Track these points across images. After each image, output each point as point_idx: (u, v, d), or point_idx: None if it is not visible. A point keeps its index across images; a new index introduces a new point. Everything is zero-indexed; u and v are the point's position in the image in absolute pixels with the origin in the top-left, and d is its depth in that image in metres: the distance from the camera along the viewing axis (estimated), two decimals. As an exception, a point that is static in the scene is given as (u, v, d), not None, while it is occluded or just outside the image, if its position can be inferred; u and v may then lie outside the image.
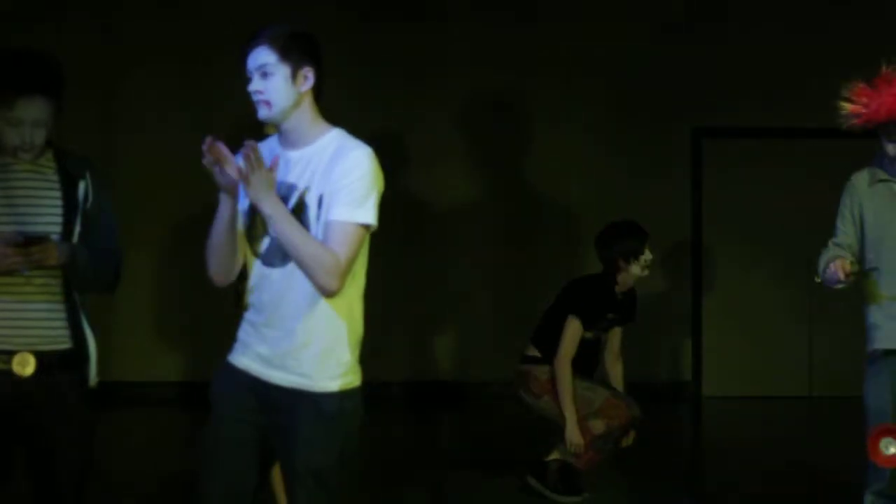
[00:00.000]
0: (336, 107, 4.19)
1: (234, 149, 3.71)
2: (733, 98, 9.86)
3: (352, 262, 3.67)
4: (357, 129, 3.85)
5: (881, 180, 4.96)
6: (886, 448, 4.68)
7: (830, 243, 5.02)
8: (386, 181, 3.75)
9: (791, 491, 6.96)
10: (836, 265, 4.75)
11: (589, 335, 6.57)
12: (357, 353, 3.79)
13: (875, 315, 4.98)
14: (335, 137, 3.78)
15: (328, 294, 3.67)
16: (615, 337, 6.82)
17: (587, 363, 6.66)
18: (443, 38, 9.91)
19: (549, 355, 6.51)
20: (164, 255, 9.59)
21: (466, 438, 8.67)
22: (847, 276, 4.75)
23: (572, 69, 9.91)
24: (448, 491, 7.01)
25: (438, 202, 9.94)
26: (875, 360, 4.98)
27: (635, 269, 6.62)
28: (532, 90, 9.92)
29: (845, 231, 5.00)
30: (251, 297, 3.85)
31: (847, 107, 4.89)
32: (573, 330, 6.47)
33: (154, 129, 9.67)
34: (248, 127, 4.13)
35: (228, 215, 3.79)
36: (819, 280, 5.02)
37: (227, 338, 3.91)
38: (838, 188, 5.16)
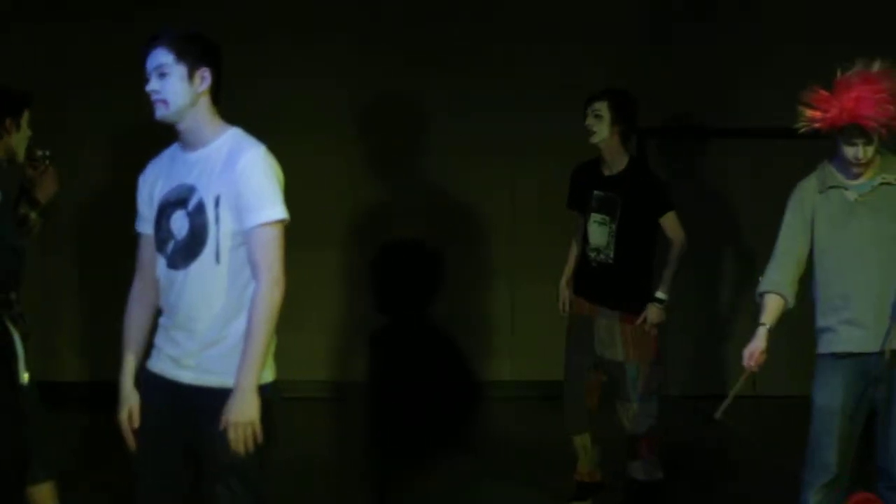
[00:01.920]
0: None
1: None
2: (679, 99, 9.90)
3: (281, 257, 3.79)
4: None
5: (832, 186, 4.98)
6: None
7: (772, 265, 5.04)
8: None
9: (741, 489, 7.00)
10: (751, 352, 4.80)
11: (593, 227, 6.45)
12: (269, 348, 3.84)
13: (826, 319, 5.00)
14: (230, 138, 3.88)
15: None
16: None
17: (591, 282, 6.55)
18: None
19: None
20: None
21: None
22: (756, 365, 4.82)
23: (522, 69, 9.91)
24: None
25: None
26: (826, 363, 5.00)
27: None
28: (478, 88, 9.91)
29: (791, 244, 5.02)
30: (160, 300, 3.96)
31: (806, 112, 4.92)
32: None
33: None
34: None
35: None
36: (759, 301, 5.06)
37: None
38: (784, 188, 5.18)
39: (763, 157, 9.72)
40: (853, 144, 4.87)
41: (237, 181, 3.77)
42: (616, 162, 6.41)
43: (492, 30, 9.99)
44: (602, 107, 6.36)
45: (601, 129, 6.35)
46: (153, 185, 4.02)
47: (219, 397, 3.78)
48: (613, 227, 6.33)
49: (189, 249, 3.85)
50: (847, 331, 4.95)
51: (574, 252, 6.69)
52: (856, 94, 4.82)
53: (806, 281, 5.18)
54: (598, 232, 6.41)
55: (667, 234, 6.37)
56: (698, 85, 9.91)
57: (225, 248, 3.81)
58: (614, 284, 6.40)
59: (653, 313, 6.35)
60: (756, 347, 4.98)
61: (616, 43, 9.93)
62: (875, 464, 5.05)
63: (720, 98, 9.86)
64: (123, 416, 3.98)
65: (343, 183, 9.87)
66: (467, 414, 9.62)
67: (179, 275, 3.87)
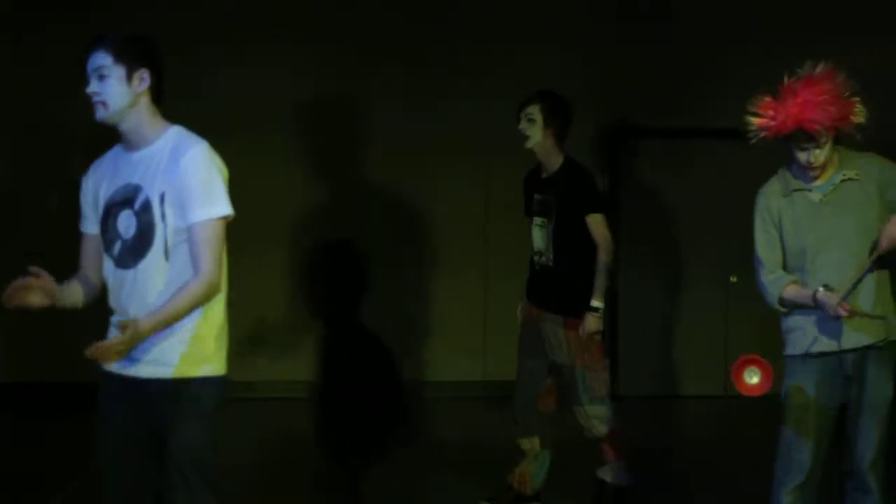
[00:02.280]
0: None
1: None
2: (646, 98, 9.91)
3: (221, 253, 3.88)
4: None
5: (796, 190, 4.99)
6: (750, 378, 4.74)
7: (766, 273, 5.03)
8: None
9: (705, 490, 7.00)
10: (836, 308, 4.75)
11: (535, 231, 6.45)
12: (220, 342, 3.96)
13: (795, 319, 5.00)
14: (172, 136, 3.95)
15: (216, 293, 3.89)
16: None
17: (535, 286, 6.57)
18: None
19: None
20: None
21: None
22: (850, 313, 4.78)
23: (490, 68, 9.90)
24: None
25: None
26: (797, 363, 5.01)
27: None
28: (442, 86, 9.90)
29: (772, 253, 5.02)
30: (110, 300, 4.03)
31: (754, 121, 4.93)
32: None
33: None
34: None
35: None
36: (783, 310, 5.02)
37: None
38: (750, 187, 5.18)
39: (731, 157, 9.73)
40: (803, 150, 4.88)
41: (181, 178, 3.84)
42: (551, 164, 6.42)
43: (466, 29, 9.97)
44: (534, 110, 6.38)
45: (534, 132, 6.37)
46: (97, 186, 4.08)
47: (175, 388, 3.89)
48: (550, 229, 6.33)
49: (137, 248, 3.91)
50: (815, 330, 4.95)
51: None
52: (801, 100, 4.83)
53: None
54: (539, 235, 6.42)
55: (592, 236, 6.32)
56: (667, 85, 9.92)
57: (172, 245, 3.87)
58: (555, 287, 6.40)
59: (589, 322, 6.31)
60: (833, 299, 4.80)
61: (592, 43, 9.93)
62: (845, 464, 5.06)
63: (689, 98, 9.87)
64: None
65: (304, 183, 9.81)
66: (437, 414, 9.59)
67: (129, 273, 3.93)
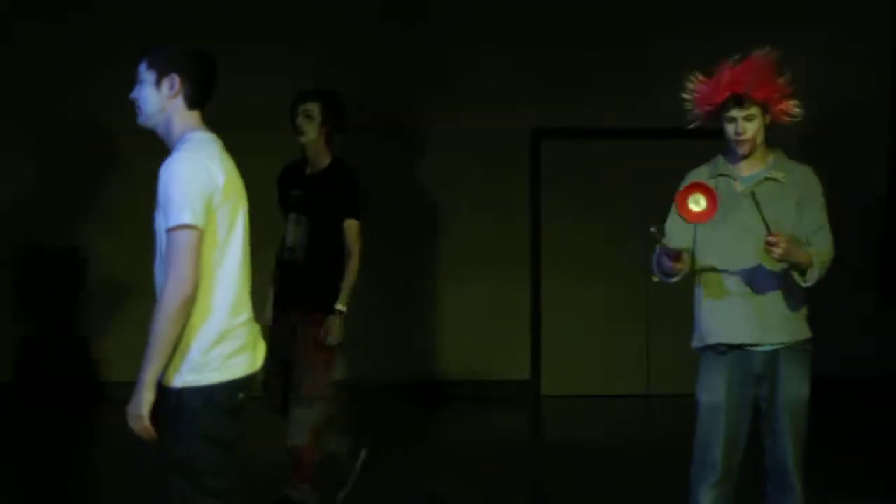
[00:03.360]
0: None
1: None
2: (572, 99, 9.93)
3: (188, 260, 3.85)
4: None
5: (721, 174, 5.00)
6: (696, 203, 4.73)
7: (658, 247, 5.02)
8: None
9: (628, 490, 7.01)
10: (670, 258, 4.78)
11: (289, 226, 6.34)
12: (211, 350, 3.93)
13: (707, 311, 5.00)
14: (182, 143, 4.01)
15: (191, 302, 3.88)
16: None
17: (285, 283, 6.40)
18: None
19: None
20: None
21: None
22: (678, 263, 4.78)
23: (406, 71, 9.89)
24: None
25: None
26: (709, 361, 5.00)
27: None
28: (376, 95, 9.88)
29: (677, 232, 5.00)
30: None
31: (690, 100, 4.95)
32: None
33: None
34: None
35: None
36: (656, 279, 5.02)
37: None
38: (676, 188, 5.18)
39: (656, 156, 9.77)
40: (732, 120, 4.90)
41: (160, 186, 3.94)
42: (319, 161, 6.36)
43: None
44: (314, 107, 6.31)
45: (310, 129, 6.29)
46: None
47: (166, 395, 3.91)
48: (306, 226, 6.29)
49: (156, 251, 4.04)
50: (721, 322, 4.96)
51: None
52: (738, 70, 4.90)
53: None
54: (293, 231, 6.34)
55: (346, 240, 6.26)
56: (595, 85, 9.94)
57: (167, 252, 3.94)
58: (302, 284, 6.29)
59: (331, 325, 6.21)
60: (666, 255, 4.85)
61: (507, 44, 9.93)
62: (764, 464, 5.07)
63: (617, 98, 9.89)
64: None
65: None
66: (394, 414, 9.56)
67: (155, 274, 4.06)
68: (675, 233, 4.94)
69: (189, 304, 3.85)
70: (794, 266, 4.78)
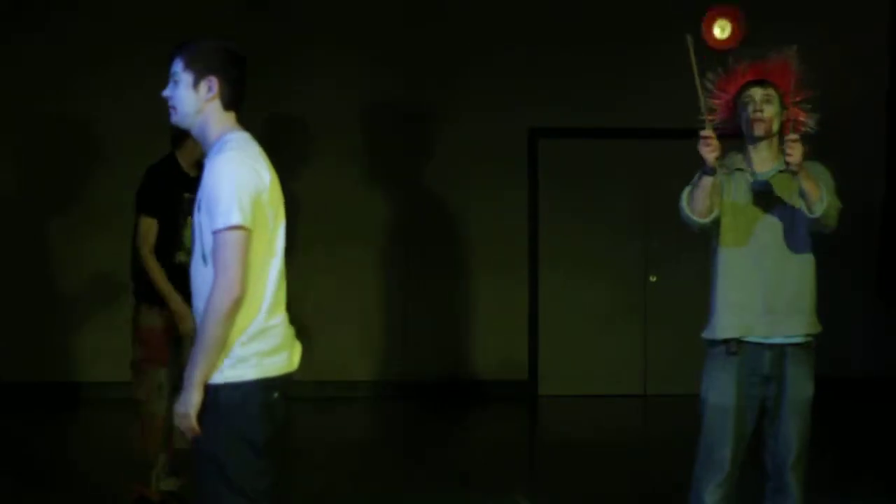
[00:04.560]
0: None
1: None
2: (570, 98, 9.92)
3: (238, 262, 3.86)
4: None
5: (738, 169, 5.01)
6: (722, 29, 4.73)
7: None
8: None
9: (624, 490, 7.00)
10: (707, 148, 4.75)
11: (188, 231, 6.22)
12: (250, 347, 3.92)
13: (722, 302, 4.98)
14: (219, 144, 4.00)
15: (242, 298, 3.88)
16: None
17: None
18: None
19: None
20: None
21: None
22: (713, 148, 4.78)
23: (406, 71, 9.88)
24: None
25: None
26: (716, 360, 4.98)
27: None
28: (374, 91, 9.87)
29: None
30: None
31: (710, 90, 4.99)
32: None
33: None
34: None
35: None
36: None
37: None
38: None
39: (651, 157, 9.77)
40: (751, 100, 4.91)
41: (205, 187, 3.93)
42: (197, 163, 6.24)
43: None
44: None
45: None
46: None
47: (206, 393, 3.93)
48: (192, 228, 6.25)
49: (194, 251, 4.05)
50: (733, 317, 4.95)
51: None
52: (762, 65, 4.96)
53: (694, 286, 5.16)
54: (189, 235, 6.17)
55: None
56: (593, 84, 9.93)
57: (209, 252, 3.94)
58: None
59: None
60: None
61: (503, 44, 9.92)
62: (765, 464, 5.05)
63: (615, 98, 9.89)
64: None
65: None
66: (390, 413, 9.57)
67: (190, 273, 4.09)
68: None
69: (238, 306, 3.86)
70: (803, 194, 4.78)
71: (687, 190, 4.95)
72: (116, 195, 8.75)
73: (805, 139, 4.83)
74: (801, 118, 5.01)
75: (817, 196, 4.74)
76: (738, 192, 4.96)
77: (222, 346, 3.88)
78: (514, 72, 9.89)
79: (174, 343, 6.26)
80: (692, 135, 5.09)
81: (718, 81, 5.03)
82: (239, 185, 3.88)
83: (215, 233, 3.86)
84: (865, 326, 10.02)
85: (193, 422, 3.84)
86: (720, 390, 4.93)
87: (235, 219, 3.84)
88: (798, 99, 5.02)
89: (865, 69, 9.88)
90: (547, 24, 9.97)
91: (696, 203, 4.87)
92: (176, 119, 4.06)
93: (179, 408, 3.86)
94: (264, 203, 3.93)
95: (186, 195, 6.20)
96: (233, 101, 4.05)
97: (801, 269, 4.91)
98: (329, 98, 9.80)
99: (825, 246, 5.03)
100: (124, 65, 9.43)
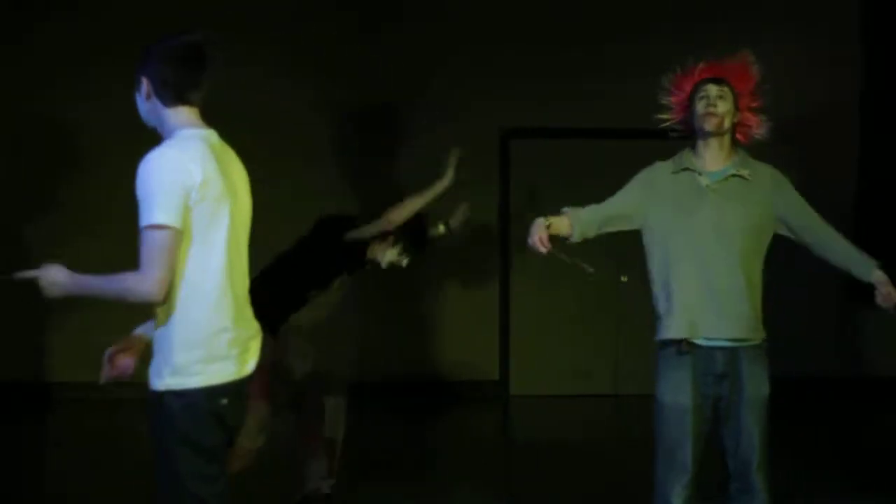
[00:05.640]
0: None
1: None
2: (541, 99, 9.93)
3: (161, 262, 3.78)
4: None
5: (686, 168, 5.01)
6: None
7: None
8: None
9: (597, 489, 7.02)
10: (536, 227, 4.88)
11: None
12: (192, 354, 3.88)
13: (662, 305, 5.00)
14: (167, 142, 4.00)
15: (154, 303, 3.84)
16: None
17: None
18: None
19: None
20: None
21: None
22: (544, 245, 4.90)
23: (375, 73, 9.87)
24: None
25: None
26: (668, 360, 4.98)
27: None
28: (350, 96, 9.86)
29: (619, 202, 5.12)
30: None
31: (666, 89, 5.02)
32: None
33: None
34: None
35: None
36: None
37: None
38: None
39: (617, 156, 9.76)
40: (705, 96, 4.94)
41: (137, 184, 3.89)
42: None
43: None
44: None
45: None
46: None
47: (148, 398, 3.94)
48: None
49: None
50: (680, 318, 4.96)
51: None
52: (718, 64, 5.00)
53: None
54: None
55: None
56: (564, 85, 9.95)
57: None
58: None
59: None
60: (535, 231, 4.98)
61: (475, 44, 9.92)
62: (727, 464, 5.06)
63: (586, 98, 9.90)
64: None
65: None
66: (362, 415, 9.53)
67: None
68: (622, 201, 5.06)
69: (146, 304, 3.84)
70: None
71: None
72: (99, 198, 8.77)
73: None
74: (753, 124, 5.03)
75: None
76: (684, 192, 4.96)
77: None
78: (486, 72, 9.89)
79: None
80: (664, 135, 5.12)
81: (675, 79, 5.05)
82: (164, 182, 3.81)
83: (141, 230, 3.80)
84: (837, 327, 10.06)
85: (56, 290, 3.92)
86: (676, 390, 4.93)
87: (158, 217, 3.77)
88: (752, 105, 5.03)
89: (837, 68, 9.92)
90: (519, 23, 9.97)
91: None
92: (144, 121, 4.12)
93: (48, 275, 3.94)
94: (196, 202, 3.83)
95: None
96: (177, 97, 4.01)
97: (747, 272, 4.91)
98: (297, 103, 9.78)
99: (796, 247, 5.06)
100: (107, 65, 9.39)
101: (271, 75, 9.68)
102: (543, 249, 4.94)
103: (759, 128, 5.04)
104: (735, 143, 5.01)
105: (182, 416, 3.87)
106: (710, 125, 4.91)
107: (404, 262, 6.46)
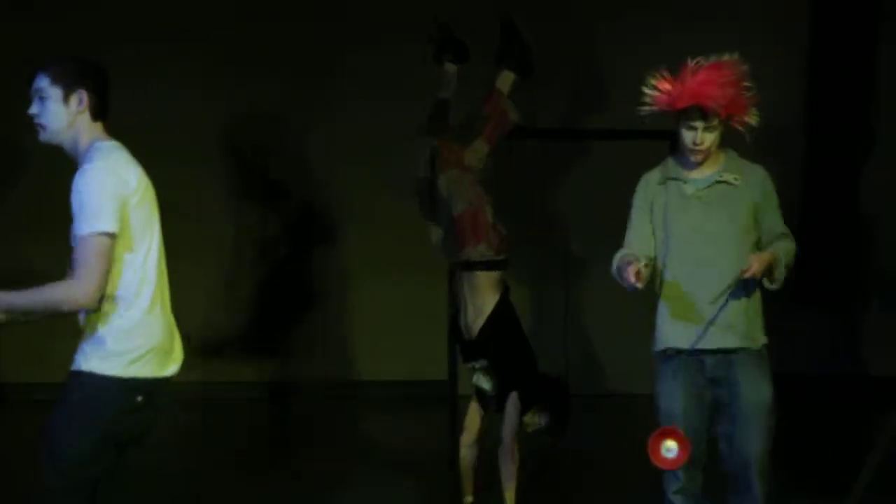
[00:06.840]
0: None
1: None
2: (519, 99, 9.93)
3: (98, 269, 3.91)
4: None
5: (672, 178, 5.01)
6: (667, 451, 4.75)
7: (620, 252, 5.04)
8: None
9: (547, 490, 7.01)
10: (629, 271, 4.75)
11: None
12: (122, 345, 4.01)
13: (661, 315, 5.02)
14: (88, 155, 4.10)
15: (90, 307, 3.97)
16: None
17: None
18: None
19: None
20: None
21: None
22: (639, 279, 4.77)
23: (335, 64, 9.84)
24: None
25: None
26: (664, 365, 5.03)
27: None
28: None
29: (638, 234, 5.04)
30: None
31: (649, 94, 4.97)
32: None
33: None
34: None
35: None
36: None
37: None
38: (624, 189, 5.20)
39: (593, 157, 9.79)
40: (692, 129, 4.91)
41: (73, 194, 4.02)
42: None
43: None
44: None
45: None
46: None
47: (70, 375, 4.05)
48: None
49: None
50: (671, 326, 4.98)
51: None
52: (701, 78, 4.89)
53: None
54: None
55: None
56: (529, 85, 9.95)
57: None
58: None
59: None
60: (630, 266, 4.84)
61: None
62: (726, 465, 5.09)
63: (566, 99, 9.91)
64: None
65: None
66: (310, 414, 9.53)
67: None
68: (637, 241, 4.98)
69: (79, 309, 4.00)
70: (765, 273, 4.82)
71: (613, 269, 4.94)
72: (43, 197, 8.68)
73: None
74: (746, 116, 5.01)
75: (778, 276, 4.82)
76: (671, 201, 4.97)
77: (30, 315, 4.02)
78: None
79: None
80: (618, 135, 5.12)
81: (662, 85, 5.01)
82: (103, 192, 3.97)
83: (80, 237, 3.94)
84: (782, 328, 10.12)
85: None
86: (668, 396, 4.99)
87: (100, 225, 3.93)
88: (745, 108, 4.99)
89: (782, 72, 9.99)
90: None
91: (625, 279, 4.85)
92: (46, 137, 4.17)
93: None
94: (131, 207, 4.01)
95: None
96: (100, 112, 4.16)
97: (741, 282, 4.91)
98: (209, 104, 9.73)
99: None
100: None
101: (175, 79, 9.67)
102: (640, 285, 4.81)
103: (752, 121, 5.01)
104: (724, 145, 5.00)
105: (91, 400, 4.01)
106: (696, 158, 4.93)
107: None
